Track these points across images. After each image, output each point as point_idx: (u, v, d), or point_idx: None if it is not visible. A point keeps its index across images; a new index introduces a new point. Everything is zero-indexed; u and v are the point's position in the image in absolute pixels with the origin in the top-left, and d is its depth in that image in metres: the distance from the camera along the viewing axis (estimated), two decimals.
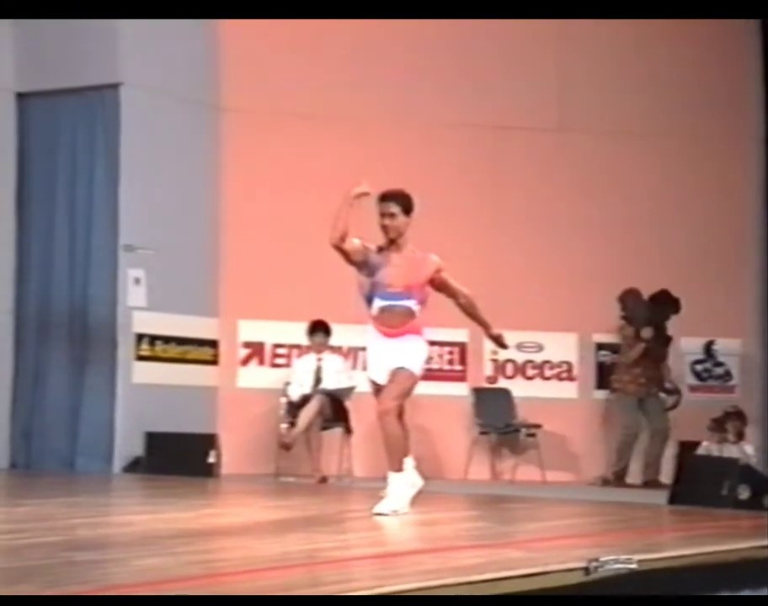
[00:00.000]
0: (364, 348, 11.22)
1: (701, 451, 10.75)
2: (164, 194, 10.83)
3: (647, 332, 11.51)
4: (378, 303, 6.92)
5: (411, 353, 6.88)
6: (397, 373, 6.85)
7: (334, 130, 11.58)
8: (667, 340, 11.73)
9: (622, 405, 11.60)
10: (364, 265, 6.94)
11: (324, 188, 10.40)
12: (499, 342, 7.41)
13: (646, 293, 11.66)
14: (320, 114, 11.53)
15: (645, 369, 11.55)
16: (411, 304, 6.90)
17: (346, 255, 6.88)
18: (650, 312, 11.57)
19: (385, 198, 6.93)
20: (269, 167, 11.46)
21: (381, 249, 6.96)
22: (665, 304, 11.55)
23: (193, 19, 10.66)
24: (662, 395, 11.71)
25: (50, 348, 10.76)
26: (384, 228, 6.93)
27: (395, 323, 6.89)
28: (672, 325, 11.89)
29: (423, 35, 11.62)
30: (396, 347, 6.87)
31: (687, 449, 10.94)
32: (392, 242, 6.94)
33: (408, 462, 6.95)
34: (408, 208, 6.94)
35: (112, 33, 10.55)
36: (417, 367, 6.89)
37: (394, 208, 6.90)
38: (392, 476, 6.85)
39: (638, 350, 11.51)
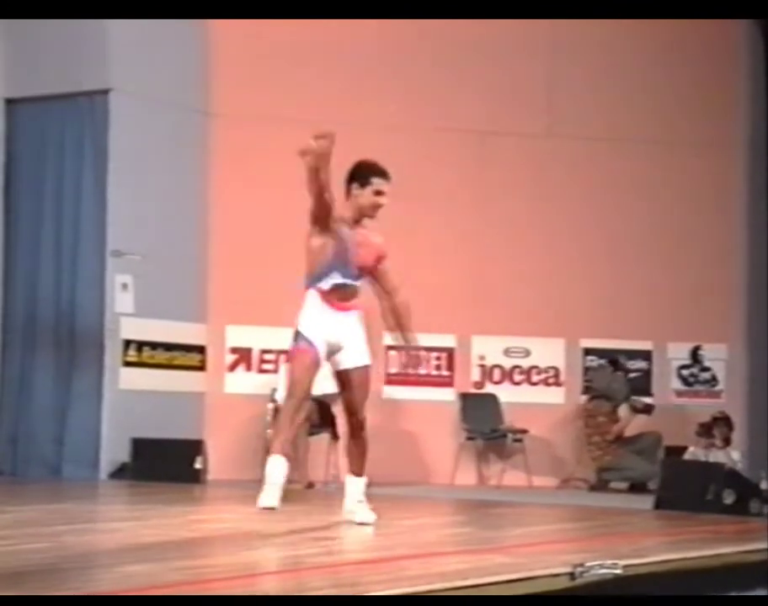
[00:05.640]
0: None
1: (687, 456, 10.78)
2: (152, 200, 10.82)
3: (625, 410, 11.53)
4: (335, 280, 6.37)
5: (360, 336, 6.47)
6: (362, 375, 6.47)
7: None
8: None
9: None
10: (330, 233, 6.34)
11: None
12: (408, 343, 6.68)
13: (637, 296, 11.77)
14: (308, 119, 11.38)
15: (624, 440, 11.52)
16: (359, 283, 6.50)
17: (325, 209, 6.25)
18: (622, 385, 11.61)
19: (386, 175, 6.40)
20: (257, 173, 11.45)
21: (343, 222, 6.40)
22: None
23: (182, 26, 10.67)
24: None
25: (36, 353, 10.73)
26: (376, 207, 6.41)
27: (347, 300, 6.43)
28: (657, 332, 12.00)
29: (411, 39, 11.63)
30: (345, 320, 6.41)
31: (673, 453, 10.98)
32: (358, 221, 6.45)
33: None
34: None
35: (101, 39, 10.54)
36: (368, 356, 6.51)
37: (389, 187, 6.41)
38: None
39: (622, 426, 11.50)
